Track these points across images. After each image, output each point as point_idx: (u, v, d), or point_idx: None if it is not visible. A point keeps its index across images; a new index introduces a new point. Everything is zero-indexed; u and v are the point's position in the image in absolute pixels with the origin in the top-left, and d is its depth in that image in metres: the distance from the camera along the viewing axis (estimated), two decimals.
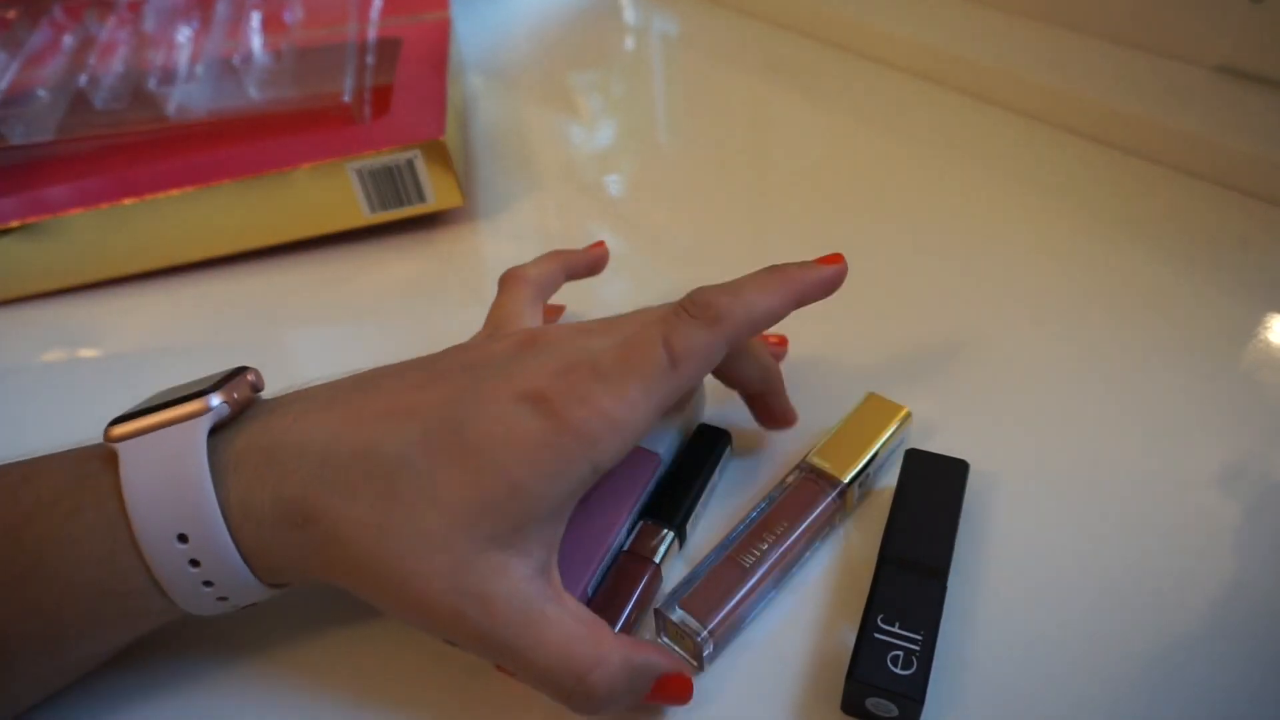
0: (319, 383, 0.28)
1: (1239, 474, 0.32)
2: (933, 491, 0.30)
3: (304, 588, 0.27)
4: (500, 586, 0.24)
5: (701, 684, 0.27)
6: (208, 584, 0.24)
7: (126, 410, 0.26)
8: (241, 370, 0.27)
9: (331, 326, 0.43)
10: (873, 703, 0.26)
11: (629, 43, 0.67)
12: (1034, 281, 0.41)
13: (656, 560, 0.29)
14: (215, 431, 0.25)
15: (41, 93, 0.51)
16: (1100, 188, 0.47)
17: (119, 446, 0.24)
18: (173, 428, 0.24)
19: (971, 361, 0.38)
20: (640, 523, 0.31)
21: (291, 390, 0.28)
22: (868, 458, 0.31)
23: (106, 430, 0.25)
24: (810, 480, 0.31)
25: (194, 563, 0.24)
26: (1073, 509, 0.31)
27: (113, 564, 0.24)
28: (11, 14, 0.59)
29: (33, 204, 0.44)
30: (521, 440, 0.24)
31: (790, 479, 0.31)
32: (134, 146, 0.47)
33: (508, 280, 0.33)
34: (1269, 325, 0.38)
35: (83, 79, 0.52)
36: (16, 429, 0.39)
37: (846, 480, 0.31)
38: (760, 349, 0.32)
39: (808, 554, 0.30)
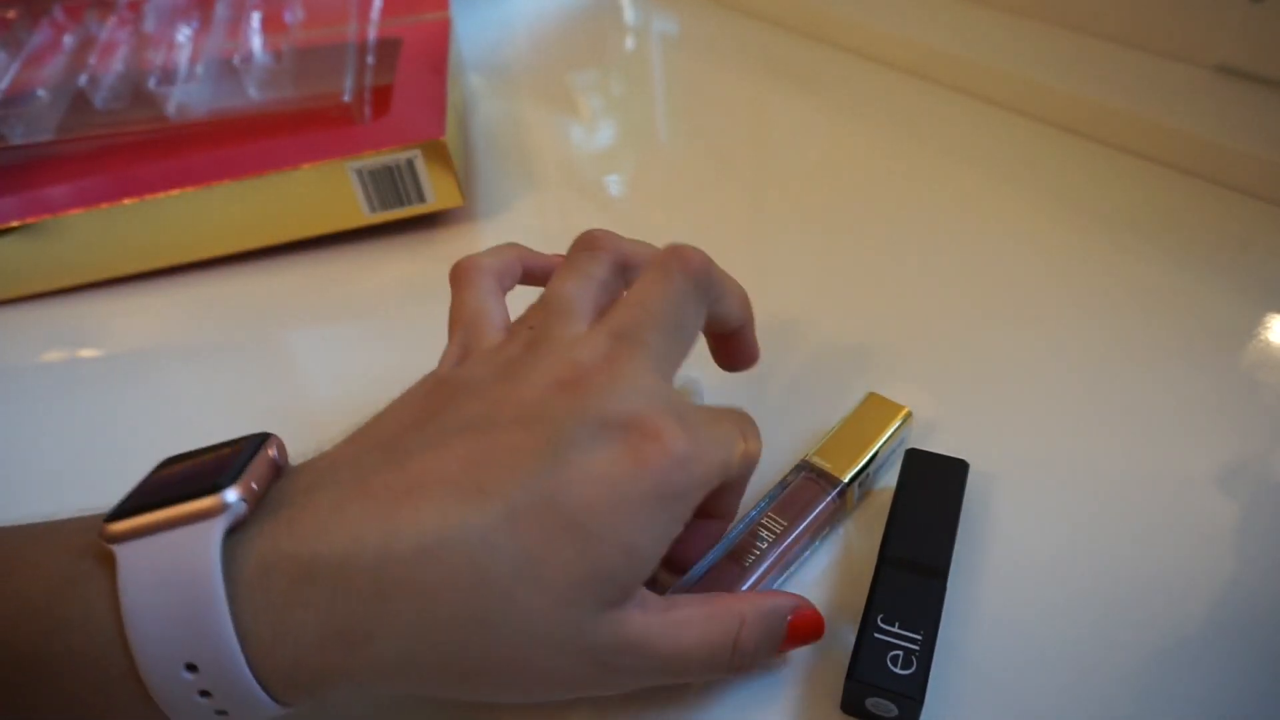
0: (332, 443, 0.25)
1: (1238, 474, 0.32)
2: (933, 491, 0.30)
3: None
4: (625, 634, 0.23)
5: (701, 687, 0.27)
6: (221, 712, 0.21)
7: (126, 495, 0.22)
8: (262, 443, 0.23)
9: (331, 326, 0.43)
10: (872, 703, 0.26)
11: (629, 43, 0.67)
12: (1033, 281, 0.41)
13: None
14: (232, 531, 0.21)
15: (41, 92, 0.51)
16: (1100, 188, 0.47)
17: (117, 550, 0.20)
18: (181, 529, 0.20)
19: (970, 361, 0.38)
20: None
21: (303, 460, 0.24)
22: (868, 457, 0.31)
23: (103, 526, 0.21)
24: (810, 480, 0.31)
25: (204, 694, 0.20)
26: (1072, 508, 0.31)
27: (108, 690, 0.20)
28: (11, 14, 0.59)
29: (32, 204, 0.44)
30: (627, 501, 0.22)
31: (790, 478, 0.31)
32: (134, 146, 0.47)
33: (464, 272, 0.29)
34: (1269, 325, 0.38)
35: (83, 79, 0.52)
36: (16, 429, 0.39)
37: (846, 480, 0.31)
38: (732, 280, 0.30)
39: (807, 553, 0.30)
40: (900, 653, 0.26)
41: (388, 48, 0.53)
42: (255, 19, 0.57)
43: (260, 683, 0.21)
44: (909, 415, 0.33)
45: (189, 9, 0.59)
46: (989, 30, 0.56)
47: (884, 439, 0.32)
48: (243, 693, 0.21)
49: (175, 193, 0.44)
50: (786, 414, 0.36)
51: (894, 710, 0.25)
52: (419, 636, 0.21)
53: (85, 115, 0.49)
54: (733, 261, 0.33)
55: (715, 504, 0.28)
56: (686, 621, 0.24)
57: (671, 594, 0.28)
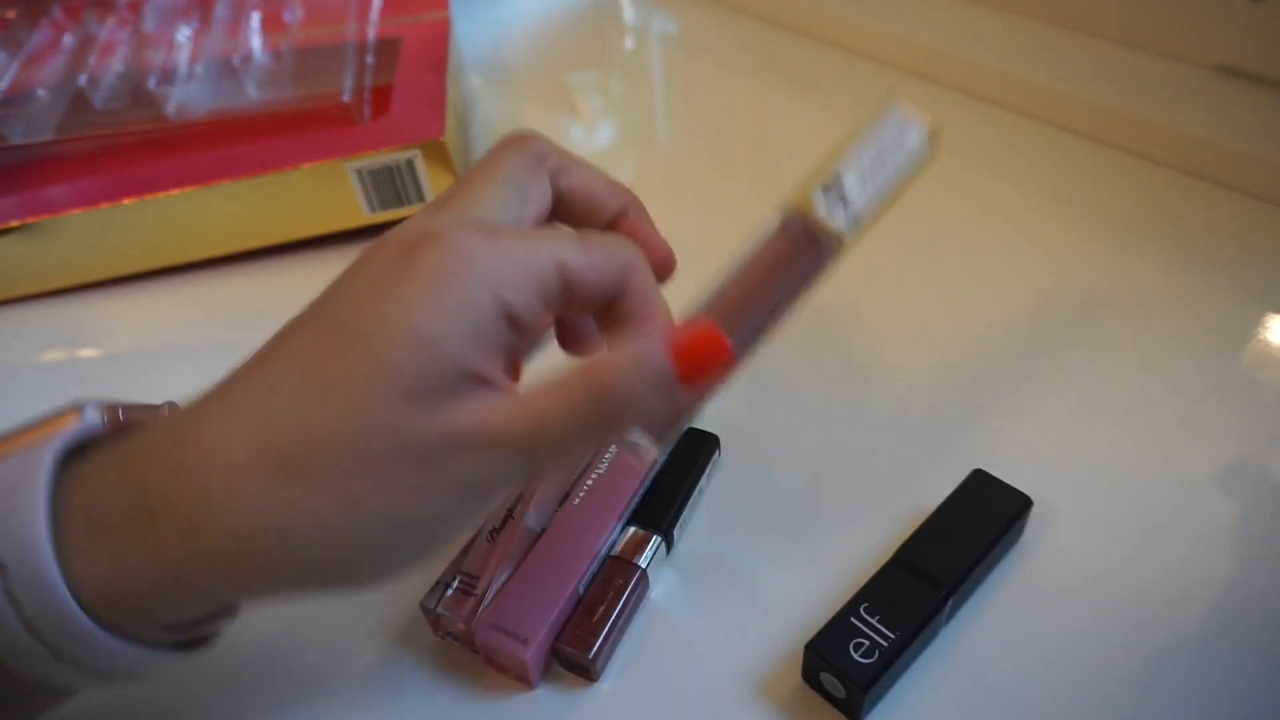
0: None
1: (1238, 474, 0.32)
2: (978, 513, 0.29)
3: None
4: (457, 426, 0.20)
5: (693, 622, 0.28)
6: (33, 633, 0.20)
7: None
8: (164, 405, 0.25)
9: None
10: (825, 678, 0.26)
11: (629, 43, 0.67)
12: (1032, 280, 0.41)
13: (644, 565, 0.29)
14: (88, 447, 0.22)
15: (41, 92, 0.51)
16: (1100, 188, 0.47)
17: None
18: (35, 432, 0.22)
19: (969, 360, 0.38)
20: (629, 529, 0.31)
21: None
22: (836, 165, 0.25)
23: None
24: (783, 232, 0.25)
25: (11, 598, 0.19)
26: (1071, 507, 0.31)
27: None
28: (11, 14, 0.59)
29: (32, 204, 0.44)
30: (396, 291, 0.21)
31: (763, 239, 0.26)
32: (133, 146, 0.47)
33: (512, 143, 0.26)
34: (1269, 325, 0.38)
35: (82, 79, 0.52)
36: None
37: (813, 195, 0.25)
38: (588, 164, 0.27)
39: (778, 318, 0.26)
40: (867, 642, 0.26)
41: (387, 47, 0.53)
42: (255, 19, 0.57)
43: (70, 584, 0.20)
44: (897, 102, 0.26)
45: (189, 9, 0.59)
46: (989, 30, 0.56)
47: (860, 138, 0.25)
48: (47, 590, 0.19)
49: (175, 193, 0.44)
50: (777, 410, 0.36)
51: (842, 692, 0.26)
52: (249, 512, 0.20)
53: (85, 115, 0.49)
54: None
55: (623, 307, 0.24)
56: (530, 396, 0.21)
57: None
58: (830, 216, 0.25)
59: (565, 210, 0.27)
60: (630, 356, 0.21)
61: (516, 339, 0.22)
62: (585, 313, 0.27)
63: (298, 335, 0.22)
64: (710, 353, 0.22)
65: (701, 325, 0.23)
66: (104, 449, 0.22)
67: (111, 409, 0.23)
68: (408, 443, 0.20)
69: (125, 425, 0.23)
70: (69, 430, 0.22)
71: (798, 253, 0.25)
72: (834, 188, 0.25)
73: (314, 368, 0.21)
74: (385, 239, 0.22)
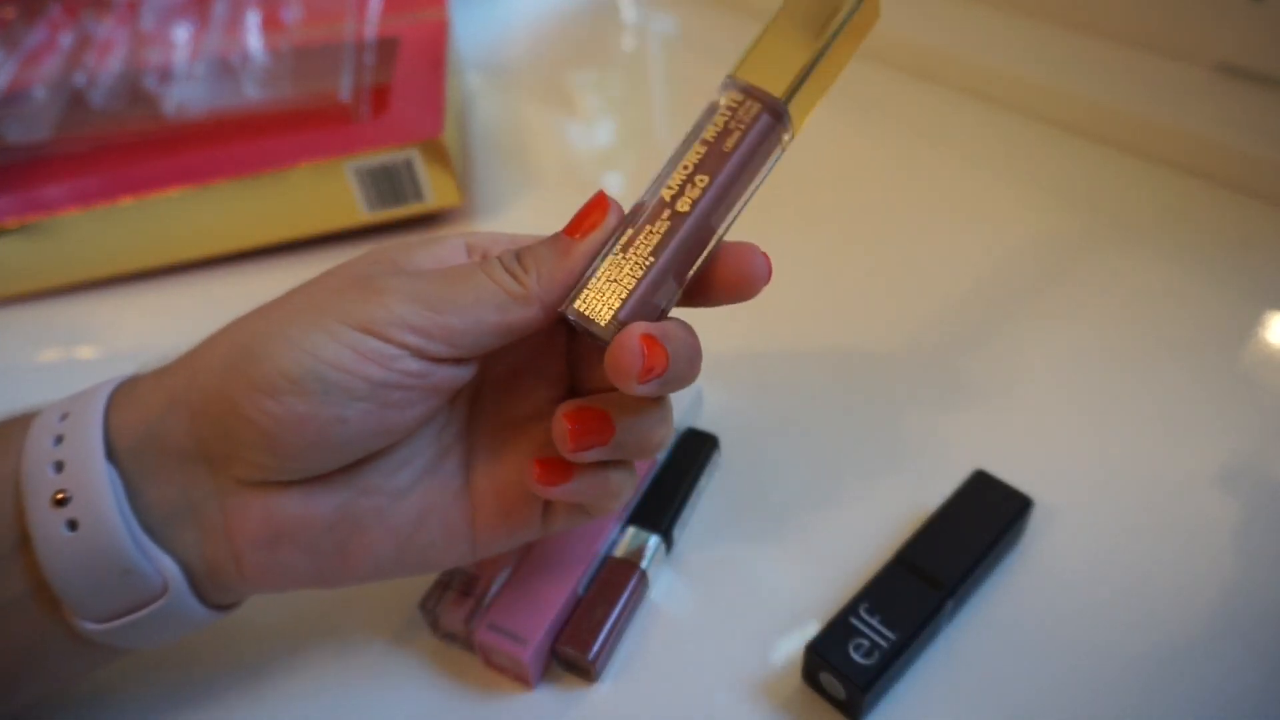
0: None
1: (1238, 474, 0.32)
2: (979, 514, 0.29)
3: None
4: (371, 316, 0.22)
5: (693, 622, 0.28)
6: (89, 564, 0.22)
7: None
8: None
9: None
10: (825, 678, 0.26)
11: (628, 42, 0.67)
12: (1031, 280, 0.41)
13: (644, 566, 0.29)
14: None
15: (39, 92, 0.51)
16: (1100, 187, 0.47)
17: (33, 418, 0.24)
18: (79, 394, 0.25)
19: (969, 360, 0.38)
20: (629, 528, 0.30)
21: None
22: (810, 61, 0.23)
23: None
24: (733, 105, 0.23)
25: (71, 525, 0.22)
26: (1070, 507, 0.31)
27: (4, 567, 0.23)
28: (9, 13, 0.59)
29: (30, 203, 0.44)
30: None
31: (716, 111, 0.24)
32: (131, 146, 0.47)
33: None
34: (1269, 325, 0.38)
35: (80, 78, 0.52)
36: None
37: (783, 95, 0.23)
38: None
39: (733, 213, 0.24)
40: (867, 642, 0.26)
41: (386, 47, 0.53)
42: (253, 18, 0.57)
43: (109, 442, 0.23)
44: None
45: (187, 8, 0.59)
46: (989, 30, 0.56)
47: (834, 28, 0.23)
48: (105, 515, 0.22)
49: (173, 192, 0.43)
50: (767, 406, 0.36)
51: (842, 692, 0.26)
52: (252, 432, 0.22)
53: (83, 114, 0.49)
54: None
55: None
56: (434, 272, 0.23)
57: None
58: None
59: None
60: (553, 261, 0.23)
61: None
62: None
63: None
64: (595, 208, 0.24)
65: (593, 205, 0.24)
66: (144, 384, 0.24)
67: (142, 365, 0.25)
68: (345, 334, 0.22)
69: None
70: (112, 382, 0.25)
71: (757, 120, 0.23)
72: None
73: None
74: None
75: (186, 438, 0.23)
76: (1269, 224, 0.43)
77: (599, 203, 0.24)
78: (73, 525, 0.22)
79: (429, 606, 0.28)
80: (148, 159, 0.46)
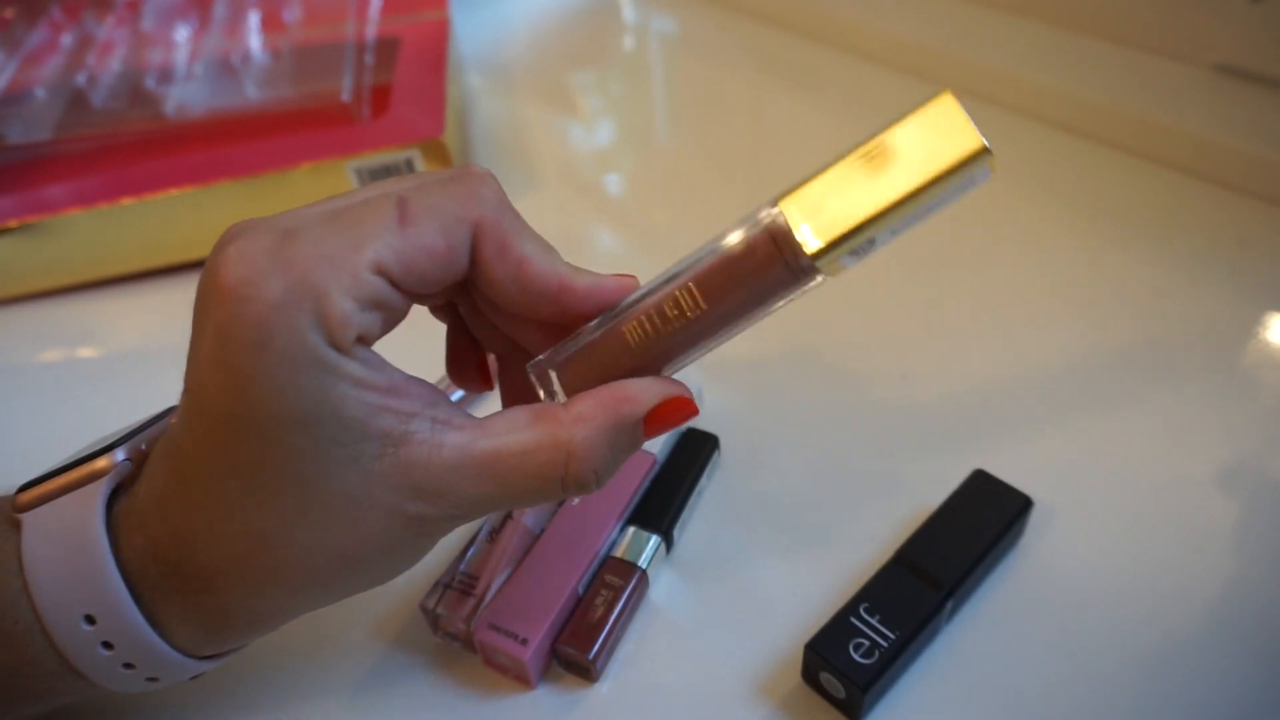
0: None
1: (1238, 474, 0.32)
2: (979, 514, 0.29)
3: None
4: (418, 480, 0.21)
5: (693, 622, 0.28)
6: (128, 666, 0.22)
7: (43, 471, 0.23)
8: (168, 412, 0.25)
9: None
10: (825, 678, 0.26)
11: (628, 42, 0.67)
12: (1030, 280, 0.41)
13: (644, 566, 0.29)
14: (124, 491, 0.23)
15: (39, 92, 0.51)
16: (1100, 188, 0.47)
17: (23, 517, 0.22)
18: (73, 494, 0.22)
19: (969, 360, 0.38)
20: (629, 528, 0.31)
21: None
22: (866, 218, 0.19)
23: (14, 496, 0.23)
24: (764, 238, 0.21)
25: (107, 645, 0.21)
26: (1069, 507, 0.31)
27: (19, 646, 0.21)
28: (9, 13, 0.59)
29: (31, 203, 0.44)
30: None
31: (747, 229, 0.22)
32: (132, 146, 0.47)
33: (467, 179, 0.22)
34: (1269, 325, 0.38)
35: (81, 78, 0.52)
36: (14, 429, 0.39)
37: (813, 252, 0.20)
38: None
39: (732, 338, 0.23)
40: (867, 642, 0.26)
41: (386, 47, 0.53)
42: (254, 18, 0.57)
43: (157, 628, 0.22)
44: (983, 153, 0.20)
45: (187, 8, 0.59)
46: (989, 30, 0.56)
47: (914, 189, 0.19)
48: (140, 642, 0.21)
49: (174, 192, 0.43)
50: (780, 413, 0.36)
51: (842, 692, 0.26)
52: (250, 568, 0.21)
53: (83, 114, 0.49)
54: None
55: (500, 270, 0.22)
56: (495, 459, 0.21)
57: (536, 366, 0.24)
58: (831, 264, 0.21)
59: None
60: (605, 435, 0.22)
61: (380, 331, 0.21)
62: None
63: (189, 442, 0.21)
64: (679, 423, 0.23)
65: (675, 403, 0.23)
66: (130, 509, 0.22)
67: (134, 446, 0.23)
68: (360, 499, 0.20)
69: (145, 455, 0.23)
70: (107, 480, 0.22)
71: (773, 267, 0.21)
72: (860, 250, 0.20)
73: (221, 470, 0.20)
74: (198, 290, 0.21)
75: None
76: (1268, 224, 0.43)
77: (680, 416, 0.23)
78: (108, 645, 0.22)
79: (429, 606, 0.29)
80: (148, 159, 0.46)
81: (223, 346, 0.19)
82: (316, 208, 0.21)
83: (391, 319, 0.22)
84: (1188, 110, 0.47)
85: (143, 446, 0.23)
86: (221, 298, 0.19)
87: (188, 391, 0.20)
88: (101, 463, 0.22)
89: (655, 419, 0.22)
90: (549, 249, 0.23)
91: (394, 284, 0.21)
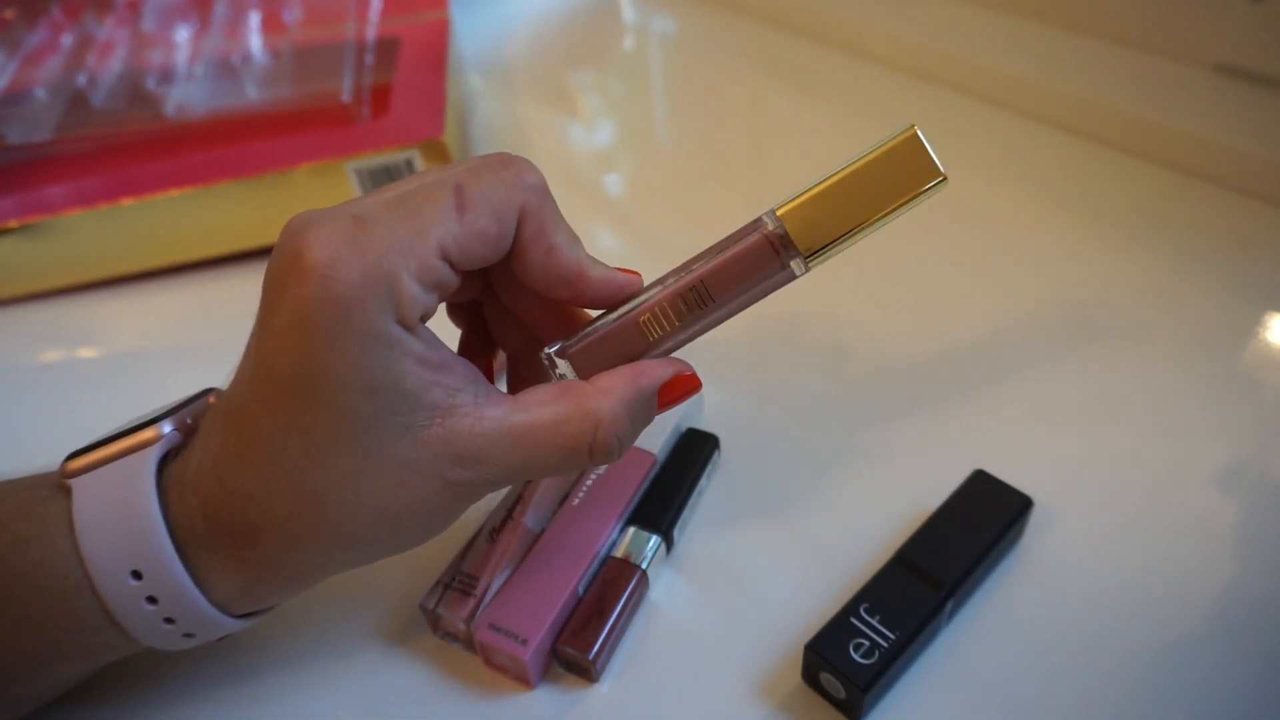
0: None
1: (1238, 474, 0.32)
2: (978, 514, 0.29)
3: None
4: (455, 447, 0.23)
5: (693, 622, 0.28)
6: (169, 620, 0.24)
7: (89, 442, 0.25)
8: (206, 392, 0.27)
9: None
10: (825, 678, 0.26)
11: (628, 42, 0.67)
12: (1031, 280, 0.41)
13: (644, 566, 0.29)
14: (173, 459, 0.24)
15: (40, 92, 0.51)
16: (1100, 188, 0.47)
17: (73, 483, 0.24)
18: (123, 460, 0.24)
19: (969, 360, 0.38)
20: (629, 528, 0.31)
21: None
22: (850, 230, 0.25)
23: (62, 465, 0.24)
24: (765, 242, 0.25)
25: (151, 599, 0.23)
26: (1069, 507, 0.31)
27: (68, 601, 0.23)
28: (9, 13, 0.59)
29: (31, 204, 0.44)
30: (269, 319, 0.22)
31: (745, 232, 0.25)
32: (132, 146, 0.47)
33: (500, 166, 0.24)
34: (1269, 325, 0.38)
35: (81, 78, 0.52)
36: (14, 429, 0.39)
37: (809, 254, 0.25)
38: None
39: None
40: (867, 642, 0.26)
41: (386, 47, 0.53)
42: (254, 19, 0.57)
43: (199, 584, 0.23)
44: (942, 182, 0.25)
45: (187, 9, 0.59)
46: (989, 30, 0.56)
47: (889, 210, 0.25)
48: (183, 597, 0.23)
49: (174, 192, 0.43)
50: (772, 401, 0.36)
51: (842, 692, 0.26)
52: (290, 521, 0.23)
53: (84, 115, 0.49)
54: None
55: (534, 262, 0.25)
56: (529, 430, 0.23)
57: (554, 352, 0.26)
58: (817, 264, 0.25)
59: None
60: (627, 406, 0.24)
61: (434, 309, 0.23)
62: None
63: (255, 406, 0.23)
64: (685, 398, 0.26)
65: (683, 379, 0.26)
66: (181, 474, 0.24)
67: (180, 419, 0.25)
68: (407, 463, 0.22)
69: (192, 429, 0.25)
70: (157, 447, 0.24)
71: (768, 262, 0.25)
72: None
73: (286, 442, 0.22)
74: (270, 270, 0.22)
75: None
76: (1268, 224, 0.43)
77: (686, 391, 0.26)
78: (152, 600, 0.23)
79: (429, 606, 0.29)
80: (149, 159, 0.46)
81: (302, 320, 0.21)
82: (380, 195, 0.23)
83: (445, 297, 0.24)
84: (1187, 110, 0.47)
85: (188, 420, 0.25)
86: (302, 276, 0.21)
87: (256, 360, 0.22)
88: (150, 433, 0.24)
89: (667, 391, 0.25)
90: (574, 238, 0.25)
91: (452, 266, 0.23)
